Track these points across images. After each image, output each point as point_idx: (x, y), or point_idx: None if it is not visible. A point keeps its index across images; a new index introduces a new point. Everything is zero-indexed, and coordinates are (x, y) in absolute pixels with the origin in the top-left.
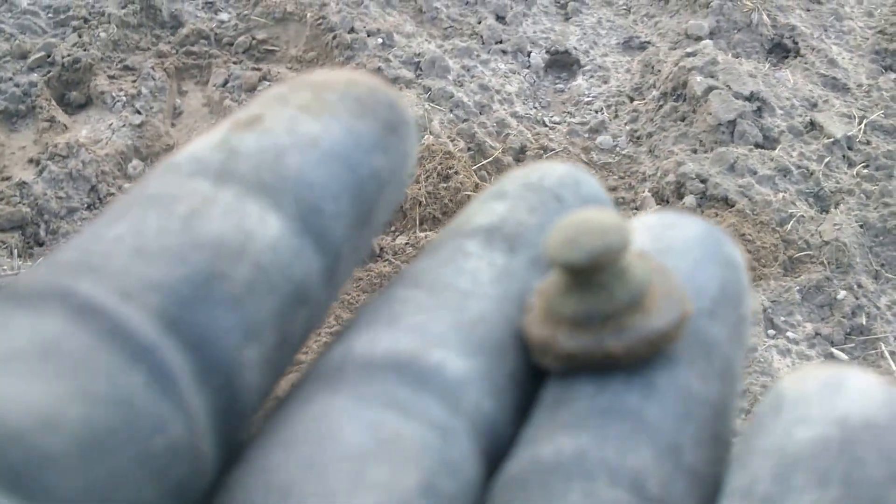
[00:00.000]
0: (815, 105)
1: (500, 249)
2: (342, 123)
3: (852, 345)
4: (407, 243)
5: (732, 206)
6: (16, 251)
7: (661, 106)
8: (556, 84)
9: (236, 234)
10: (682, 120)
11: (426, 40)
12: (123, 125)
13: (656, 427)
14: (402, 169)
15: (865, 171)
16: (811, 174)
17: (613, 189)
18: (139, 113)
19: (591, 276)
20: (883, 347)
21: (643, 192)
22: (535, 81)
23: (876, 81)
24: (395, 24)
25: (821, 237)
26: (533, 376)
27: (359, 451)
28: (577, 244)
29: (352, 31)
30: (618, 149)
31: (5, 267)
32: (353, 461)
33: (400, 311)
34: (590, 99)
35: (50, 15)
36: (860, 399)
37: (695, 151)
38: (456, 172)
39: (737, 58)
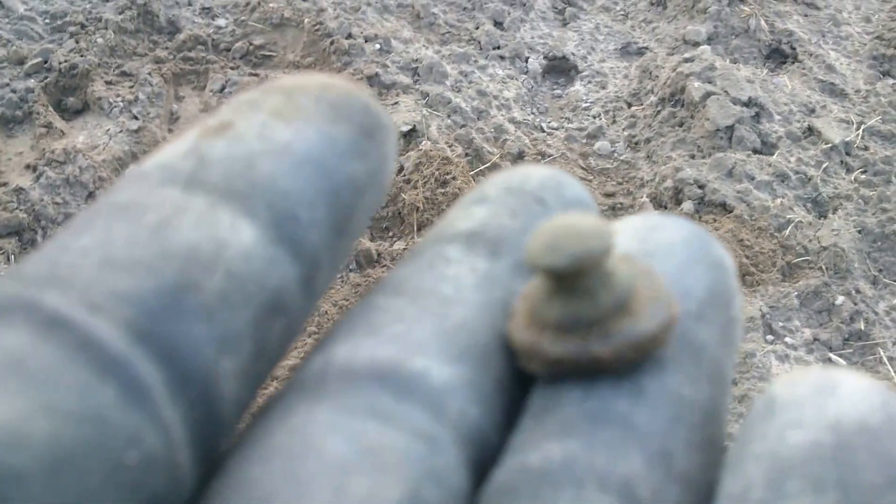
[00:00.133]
0: (813, 111)
1: (482, 254)
2: (316, 128)
3: (850, 350)
4: (405, 249)
5: (730, 211)
6: (13, 257)
7: (658, 111)
8: (554, 90)
9: (208, 243)
10: (680, 125)
11: (424, 46)
12: (120, 131)
13: (646, 432)
14: (380, 174)
15: (863, 176)
16: (809, 180)
17: (611, 195)
18: (136, 118)
19: (575, 280)
20: (881, 353)
21: (641, 197)
22: (532, 87)
23: (874, 87)
24: (392, 30)
25: (819, 243)
26: (519, 382)
27: (341, 463)
28: (558, 249)
29: (349, 36)
30: (616, 154)
31: (2, 273)
32: (336, 472)
33: (381, 318)
34: (587, 104)
35: (47, 21)
36: (853, 402)
37: (693, 157)
38: (454, 178)
39: (734, 63)
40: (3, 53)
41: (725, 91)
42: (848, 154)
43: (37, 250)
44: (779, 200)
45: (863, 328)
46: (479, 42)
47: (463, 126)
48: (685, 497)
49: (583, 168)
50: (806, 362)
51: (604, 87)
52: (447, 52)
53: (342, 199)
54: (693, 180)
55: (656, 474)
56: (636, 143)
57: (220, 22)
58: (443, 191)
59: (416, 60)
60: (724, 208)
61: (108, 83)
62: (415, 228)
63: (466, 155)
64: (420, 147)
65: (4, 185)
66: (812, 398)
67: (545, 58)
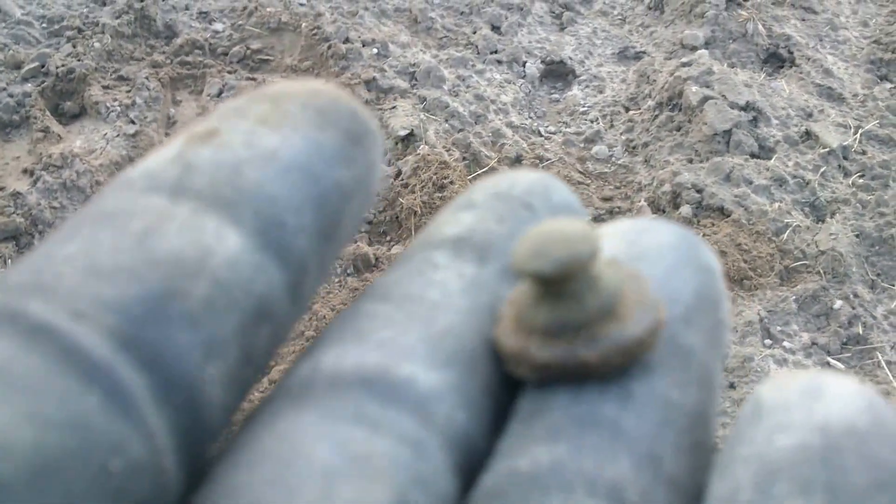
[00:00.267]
0: (810, 115)
1: (469, 260)
2: (302, 135)
3: (849, 354)
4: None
5: (728, 215)
6: (10, 262)
7: (656, 116)
8: (552, 94)
9: (193, 250)
10: (678, 130)
11: (421, 50)
12: (118, 135)
13: (634, 436)
14: (367, 180)
15: (861, 180)
16: (807, 184)
17: (609, 199)
18: (133, 123)
19: (562, 285)
20: (879, 357)
21: (639, 201)
22: (530, 91)
23: (871, 91)
24: (390, 34)
25: (817, 247)
26: (507, 388)
27: (328, 469)
28: (545, 254)
29: (347, 41)
30: (613, 158)
31: None
32: (322, 479)
33: (368, 325)
34: (585, 109)
35: (44, 25)
36: (840, 405)
37: (690, 161)
38: (451, 182)
39: (732, 67)
40: (0, 58)
41: (723, 95)
42: (846, 158)
43: (22, 258)
44: (777, 204)
45: (861, 332)
46: (477, 46)
47: (461, 130)
48: (674, 500)
49: (580, 172)
50: (804, 366)
51: (601, 92)
52: (445, 56)
53: (329, 205)
54: (691, 184)
55: (645, 478)
56: (634, 148)
57: (218, 26)
58: (440, 195)
59: (414, 65)
60: (722, 212)
61: (106, 87)
62: (412, 233)
63: (464, 159)
64: (418, 151)
65: (1, 189)
66: (799, 401)
67: (543, 62)
